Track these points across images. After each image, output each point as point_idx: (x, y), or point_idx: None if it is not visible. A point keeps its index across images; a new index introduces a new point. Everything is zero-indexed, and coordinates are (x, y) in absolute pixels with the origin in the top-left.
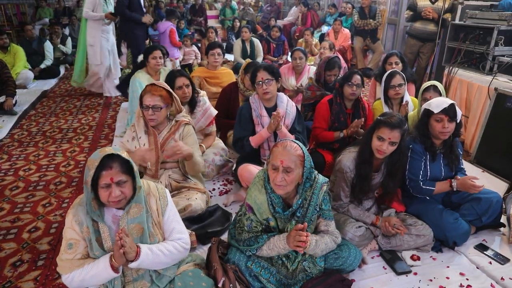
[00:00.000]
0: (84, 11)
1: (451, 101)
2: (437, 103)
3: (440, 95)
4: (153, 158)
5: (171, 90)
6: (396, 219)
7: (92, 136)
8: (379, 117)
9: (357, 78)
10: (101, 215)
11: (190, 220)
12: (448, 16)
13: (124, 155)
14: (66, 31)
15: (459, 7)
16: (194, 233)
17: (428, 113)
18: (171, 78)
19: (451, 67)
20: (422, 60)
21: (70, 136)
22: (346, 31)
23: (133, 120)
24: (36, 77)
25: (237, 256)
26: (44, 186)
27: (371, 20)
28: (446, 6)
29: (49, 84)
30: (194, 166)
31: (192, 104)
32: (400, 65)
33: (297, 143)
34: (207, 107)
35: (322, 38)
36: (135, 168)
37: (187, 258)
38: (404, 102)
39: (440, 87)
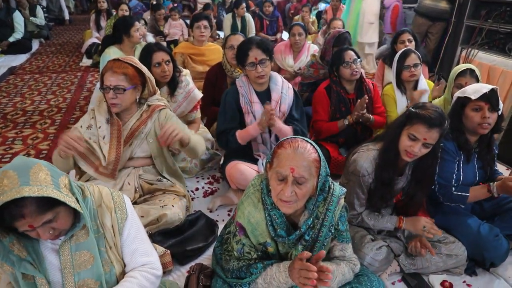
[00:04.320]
0: None
1: (492, 86)
2: (475, 89)
3: (477, 80)
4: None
5: (141, 67)
6: (425, 219)
7: (60, 120)
8: (413, 109)
9: (350, 54)
10: (35, 251)
11: (165, 234)
12: None
13: (35, 190)
14: (43, 2)
15: None
16: (169, 252)
17: (463, 102)
18: (147, 53)
19: (469, 49)
20: (431, 41)
21: (35, 120)
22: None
23: None
24: (4, 52)
25: None
26: None
27: None
28: None
29: (18, 59)
30: (196, 149)
31: (172, 85)
32: (413, 43)
33: (310, 143)
34: (191, 89)
35: (319, 15)
36: (62, 195)
37: None
38: (421, 90)
39: (477, 71)
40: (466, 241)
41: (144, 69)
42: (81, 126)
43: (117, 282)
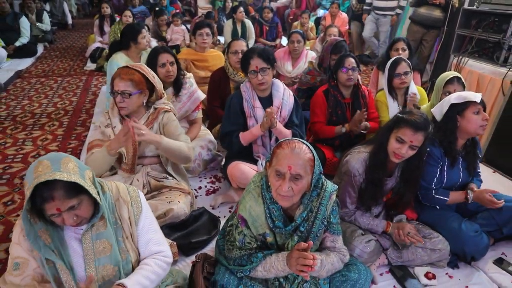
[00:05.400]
0: None
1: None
2: (473, 93)
3: (464, 87)
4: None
5: (148, 74)
6: (411, 225)
7: (68, 122)
8: (400, 115)
9: (350, 61)
10: (60, 240)
11: (172, 227)
12: (455, 1)
13: (65, 176)
14: (47, 7)
15: None
16: (175, 243)
17: (461, 107)
18: (153, 55)
19: (460, 57)
20: (425, 48)
21: (43, 122)
22: (344, 15)
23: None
24: (10, 56)
25: (226, 278)
26: (8, 180)
27: None
28: None
29: (24, 63)
30: (174, 153)
31: (177, 85)
32: (407, 51)
33: (306, 144)
34: (194, 90)
35: (317, 22)
36: (86, 184)
37: (167, 279)
38: (411, 94)
39: (463, 79)
40: (448, 236)
41: (150, 75)
42: (99, 126)
43: (133, 268)
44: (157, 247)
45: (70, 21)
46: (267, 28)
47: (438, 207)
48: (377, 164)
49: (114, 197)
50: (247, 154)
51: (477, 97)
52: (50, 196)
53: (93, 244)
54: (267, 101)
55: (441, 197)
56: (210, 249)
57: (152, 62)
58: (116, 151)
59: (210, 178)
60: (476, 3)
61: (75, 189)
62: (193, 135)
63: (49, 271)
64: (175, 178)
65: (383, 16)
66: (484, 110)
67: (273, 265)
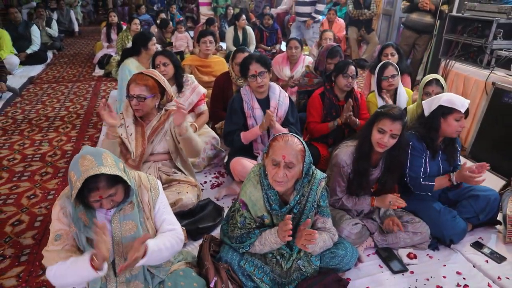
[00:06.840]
0: None
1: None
2: (461, 102)
3: (443, 89)
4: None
5: (160, 79)
6: (397, 219)
7: (80, 124)
8: (379, 109)
9: (352, 69)
10: (93, 216)
11: (181, 215)
12: (445, 7)
13: (108, 170)
14: (54, 15)
15: None
16: (184, 228)
17: (447, 111)
18: (153, 58)
19: (448, 60)
20: (418, 52)
21: (57, 125)
22: (341, 21)
23: (122, 109)
24: (22, 63)
25: (229, 254)
26: (29, 176)
27: (365, 10)
28: None
29: (36, 70)
30: (192, 143)
31: (179, 84)
32: (396, 56)
33: (298, 137)
34: (195, 85)
35: None
36: (124, 176)
37: (178, 257)
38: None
39: (442, 80)
40: (429, 220)
41: (162, 80)
42: None
43: None
44: (170, 226)
45: (76, 28)
46: (267, 34)
47: (423, 195)
48: (363, 155)
49: (136, 184)
50: (247, 151)
51: (463, 106)
52: (95, 187)
53: (121, 224)
54: (264, 102)
55: (428, 182)
56: (215, 234)
57: (152, 64)
58: (112, 135)
59: (215, 173)
60: (462, 10)
61: (114, 180)
62: (201, 122)
63: (87, 247)
64: (184, 173)
65: (303, 22)
66: (466, 117)
67: (267, 238)
